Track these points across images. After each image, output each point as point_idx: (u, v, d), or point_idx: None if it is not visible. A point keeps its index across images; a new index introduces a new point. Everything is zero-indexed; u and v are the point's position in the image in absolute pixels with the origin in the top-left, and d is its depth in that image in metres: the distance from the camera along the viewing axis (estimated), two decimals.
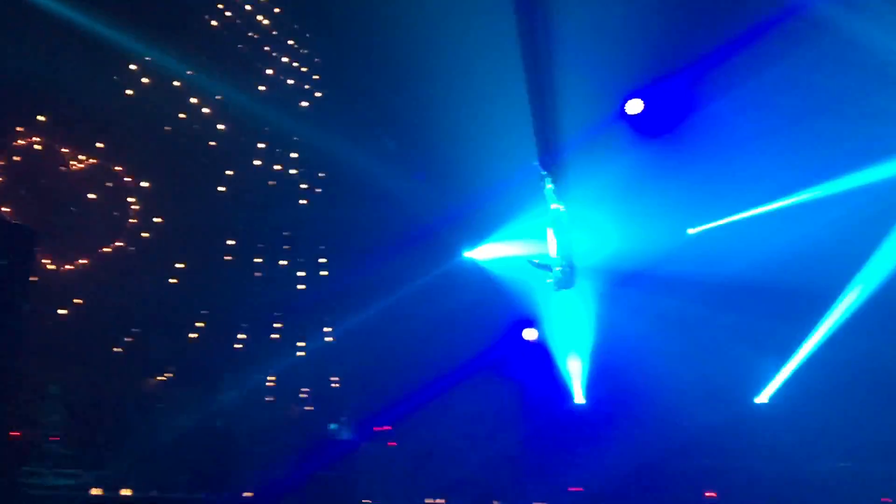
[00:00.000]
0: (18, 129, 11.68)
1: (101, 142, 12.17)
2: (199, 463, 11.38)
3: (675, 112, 12.83)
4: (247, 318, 13.21)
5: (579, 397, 14.85)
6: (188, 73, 12.37)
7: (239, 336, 13.10)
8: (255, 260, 13.38)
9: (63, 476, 10.19)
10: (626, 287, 14.18)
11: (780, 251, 12.76)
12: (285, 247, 13.61)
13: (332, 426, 13.27)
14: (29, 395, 10.69)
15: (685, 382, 13.79)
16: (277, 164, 13.47)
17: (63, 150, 12.01)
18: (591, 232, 13.65)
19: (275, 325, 13.45)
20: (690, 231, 14.06)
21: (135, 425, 11.52)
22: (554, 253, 11.55)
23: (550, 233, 11.57)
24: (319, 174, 13.82)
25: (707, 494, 14.14)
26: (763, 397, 14.18)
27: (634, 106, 12.80)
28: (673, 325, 13.89)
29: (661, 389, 13.85)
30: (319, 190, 13.78)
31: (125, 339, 12.28)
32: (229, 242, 13.15)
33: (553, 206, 11.49)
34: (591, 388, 14.78)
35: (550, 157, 11.43)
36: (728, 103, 12.54)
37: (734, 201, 13.43)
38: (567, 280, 11.97)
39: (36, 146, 11.82)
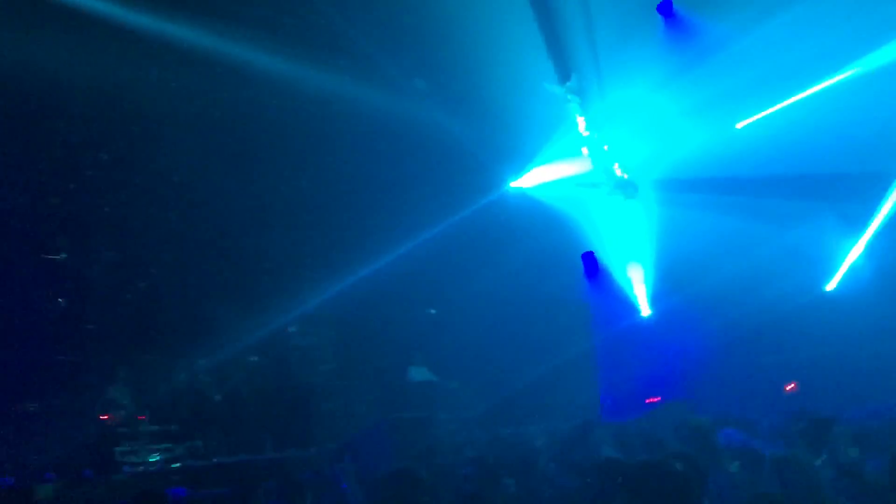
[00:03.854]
0: None
1: None
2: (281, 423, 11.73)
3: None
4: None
5: (645, 309, 14.78)
6: None
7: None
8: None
9: (157, 451, 10.62)
10: (681, 192, 13.94)
11: (835, 133, 12.29)
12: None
13: None
14: (102, 381, 11.14)
15: (752, 279, 13.58)
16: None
17: None
18: (638, 140, 13.41)
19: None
20: (738, 125, 13.65)
21: (210, 397, 11.90)
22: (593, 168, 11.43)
23: (585, 151, 11.42)
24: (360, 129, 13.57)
25: (787, 388, 14.03)
26: (833, 284, 13.90)
27: None
28: (733, 222, 13.63)
29: (727, 290, 13.67)
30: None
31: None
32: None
33: (581, 122, 11.29)
34: (656, 298, 14.68)
35: (567, 73, 11.14)
36: None
37: (779, 88, 12.94)
38: (623, 191, 11.87)
39: None
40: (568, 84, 11.44)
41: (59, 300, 11.93)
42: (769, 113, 13.26)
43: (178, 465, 10.32)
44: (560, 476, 7.44)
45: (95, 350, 11.72)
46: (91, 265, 12.38)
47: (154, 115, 11.50)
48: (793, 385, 13.94)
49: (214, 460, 10.61)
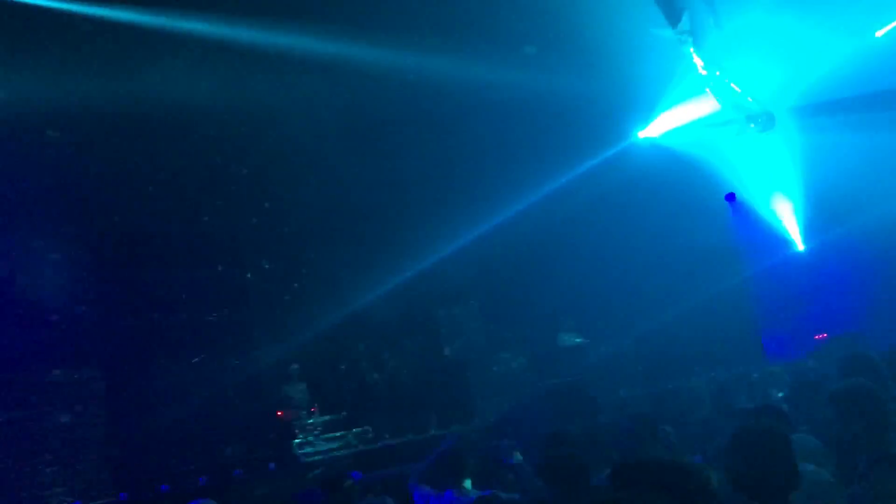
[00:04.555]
0: None
1: None
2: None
3: None
4: None
5: (800, 244, 14.14)
6: None
7: None
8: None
9: (330, 440, 11.21)
10: (823, 115, 13.16)
11: None
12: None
13: None
14: (277, 379, 11.85)
15: None
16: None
17: None
18: (766, 68, 12.76)
19: None
20: (878, 34, 12.68)
21: (373, 384, 12.40)
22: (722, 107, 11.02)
23: (709, 91, 11.00)
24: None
25: None
26: None
27: None
28: (884, 139, 12.76)
29: (887, 213, 12.83)
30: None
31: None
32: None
33: (698, 61, 10.87)
34: (810, 231, 14.00)
35: (677, 15, 10.74)
36: None
37: None
38: (758, 124, 11.41)
39: None
40: (680, 25, 11.03)
41: (225, 310, 12.78)
42: None
43: (350, 450, 10.83)
44: (719, 423, 7.32)
45: (265, 351, 12.49)
46: (248, 274, 13.20)
47: (283, 125, 12.02)
48: None
49: (383, 443, 11.08)
